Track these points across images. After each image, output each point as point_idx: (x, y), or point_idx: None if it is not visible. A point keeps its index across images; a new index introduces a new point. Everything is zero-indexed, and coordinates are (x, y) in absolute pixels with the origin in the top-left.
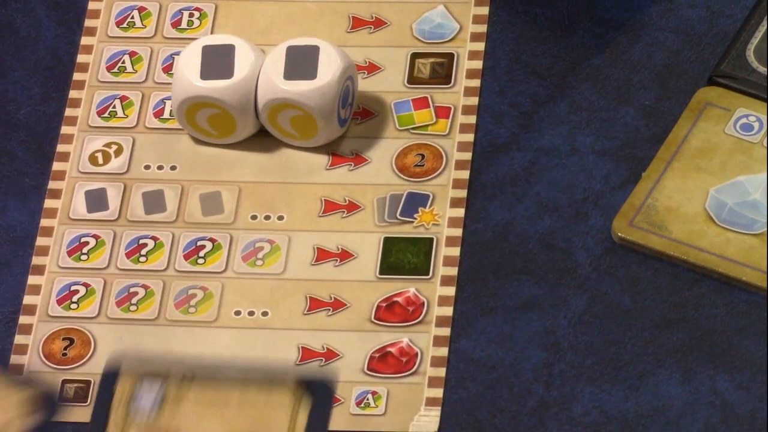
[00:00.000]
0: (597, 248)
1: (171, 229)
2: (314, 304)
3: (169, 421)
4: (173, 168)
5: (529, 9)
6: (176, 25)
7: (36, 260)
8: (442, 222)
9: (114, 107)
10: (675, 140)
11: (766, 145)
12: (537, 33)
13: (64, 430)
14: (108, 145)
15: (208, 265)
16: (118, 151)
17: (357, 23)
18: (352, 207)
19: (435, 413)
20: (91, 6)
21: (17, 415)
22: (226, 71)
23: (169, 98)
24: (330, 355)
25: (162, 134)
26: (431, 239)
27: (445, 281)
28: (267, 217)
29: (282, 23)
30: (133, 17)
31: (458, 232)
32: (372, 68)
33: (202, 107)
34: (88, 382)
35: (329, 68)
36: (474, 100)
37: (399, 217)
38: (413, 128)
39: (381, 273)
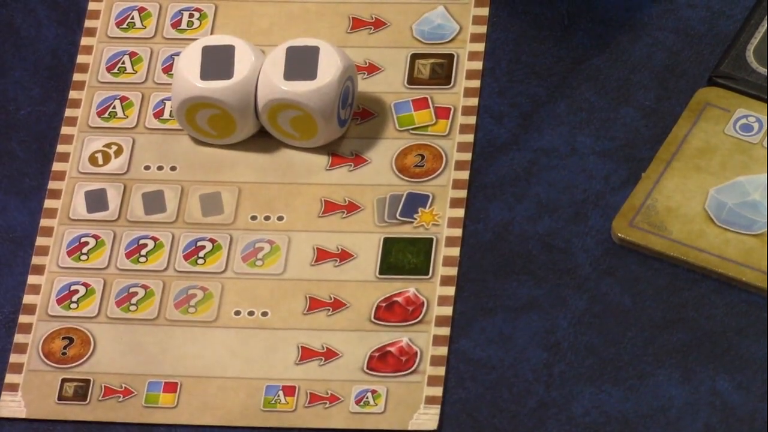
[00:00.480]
0: (597, 249)
1: (171, 229)
2: (314, 304)
3: None
4: (173, 168)
5: (528, 9)
6: (176, 25)
7: (36, 260)
8: (442, 222)
9: (114, 108)
10: (675, 140)
11: (765, 145)
12: (537, 33)
13: (64, 430)
14: (108, 145)
15: (208, 266)
16: (118, 152)
17: (357, 24)
18: (352, 207)
19: (434, 411)
20: (91, 6)
21: None
22: (226, 72)
23: (169, 99)
24: (330, 354)
25: (162, 135)
26: (431, 239)
27: (445, 281)
28: (267, 218)
29: (282, 24)
30: (133, 18)
31: (458, 232)
32: (372, 69)
33: (202, 108)
34: (87, 381)
35: (329, 69)
36: (474, 101)
37: (399, 217)
38: (413, 129)
39: (381, 273)
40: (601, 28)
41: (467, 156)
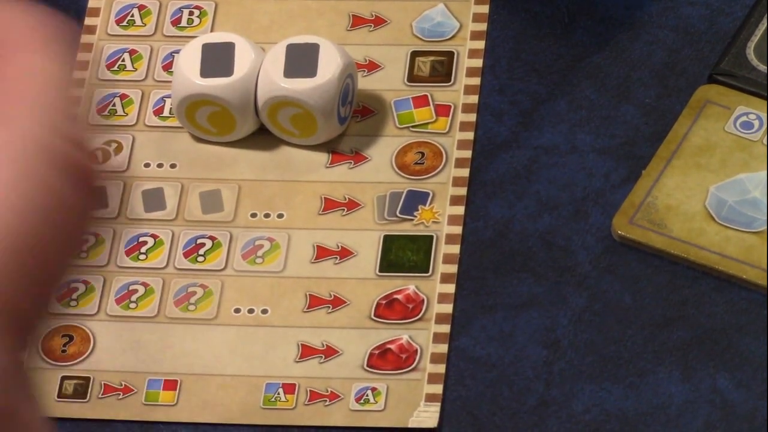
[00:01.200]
0: (597, 246)
1: (171, 227)
2: (314, 302)
3: None
4: (173, 166)
5: (529, 7)
6: (176, 23)
7: None
8: (442, 220)
9: (114, 105)
10: (675, 138)
11: (766, 143)
12: (537, 31)
13: (64, 428)
14: (108, 143)
15: (208, 263)
16: (118, 149)
17: (357, 21)
18: (351, 205)
19: (434, 409)
20: (91, 4)
21: None
22: (226, 69)
23: (169, 96)
24: (329, 352)
25: (162, 132)
26: (431, 237)
27: (445, 279)
28: (267, 215)
29: (282, 21)
30: (132, 15)
31: (458, 229)
32: (372, 66)
33: (202, 105)
34: (87, 379)
35: (329, 66)
36: (474, 98)
37: (399, 214)
38: (413, 126)
39: (381, 270)
40: (601, 26)
41: (467, 153)
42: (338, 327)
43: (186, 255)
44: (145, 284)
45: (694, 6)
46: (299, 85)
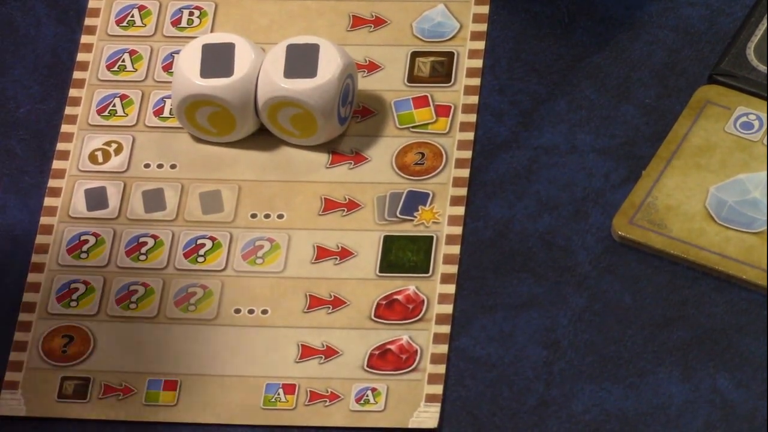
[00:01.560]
0: (597, 246)
1: (171, 227)
2: (314, 302)
3: None
4: (173, 166)
5: (529, 7)
6: (176, 23)
7: (36, 258)
8: (442, 220)
9: (114, 106)
10: (675, 138)
11: (766, 143)
12: (537, 31)
13: (64, 428)
14: (108, 143)
15: (208, 264)
16: (118, 150)
17: (357, 22)
18: (352, 205)
19: (434, 409)
20: (91, 4)
21: None
22: (226, 69)
23: (169, 97)
24: (330, 352)
25: (162, 133)
26: (431, 237)
27: (445, 279)
28: (267, 216)
29: (282, 21)
30: (133, 16)
31: (458, 230)
32: (372, 67)
33: (202, 105)
34: (87, 379)
35: (329, 66)
36: (474, 99)
37: (399, 215)
38: (413, 127)
39: (381, 271)
40: (601, 26)
41: (467, 154)
42: (338, 327)
43: (186, 255)
44: (145, 284)
45: (694, 6)
46: (299, 86)
